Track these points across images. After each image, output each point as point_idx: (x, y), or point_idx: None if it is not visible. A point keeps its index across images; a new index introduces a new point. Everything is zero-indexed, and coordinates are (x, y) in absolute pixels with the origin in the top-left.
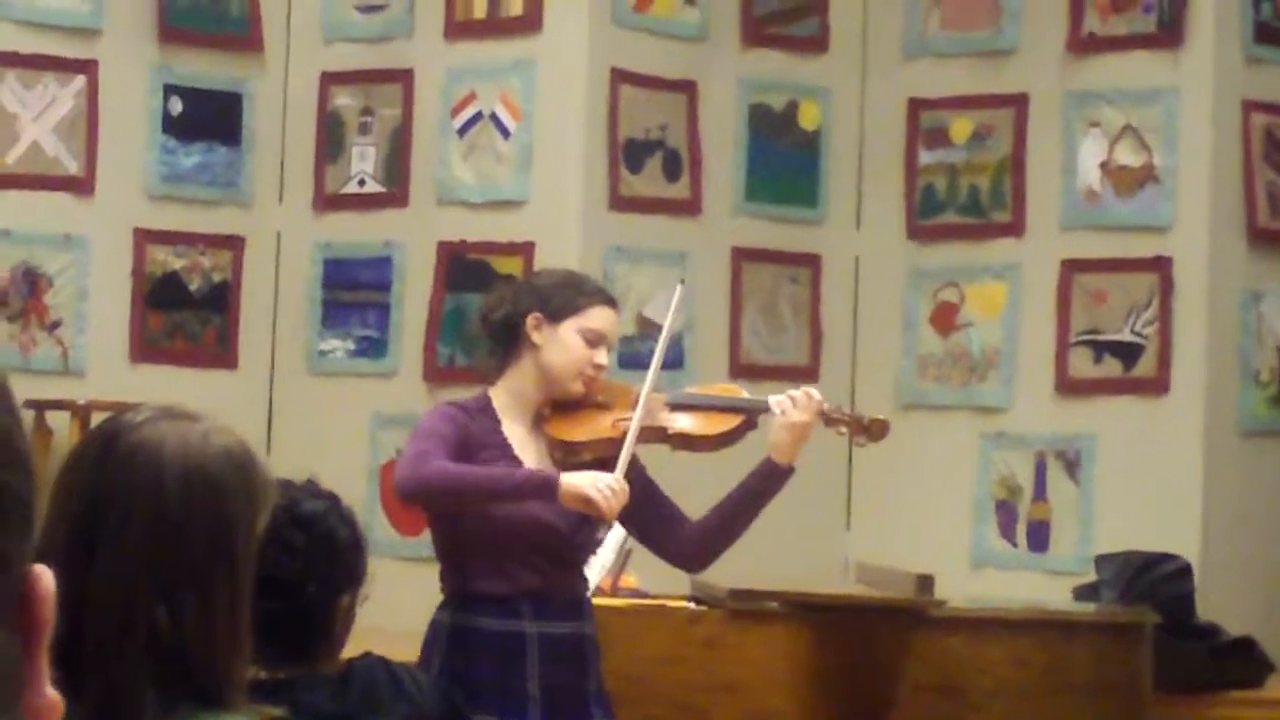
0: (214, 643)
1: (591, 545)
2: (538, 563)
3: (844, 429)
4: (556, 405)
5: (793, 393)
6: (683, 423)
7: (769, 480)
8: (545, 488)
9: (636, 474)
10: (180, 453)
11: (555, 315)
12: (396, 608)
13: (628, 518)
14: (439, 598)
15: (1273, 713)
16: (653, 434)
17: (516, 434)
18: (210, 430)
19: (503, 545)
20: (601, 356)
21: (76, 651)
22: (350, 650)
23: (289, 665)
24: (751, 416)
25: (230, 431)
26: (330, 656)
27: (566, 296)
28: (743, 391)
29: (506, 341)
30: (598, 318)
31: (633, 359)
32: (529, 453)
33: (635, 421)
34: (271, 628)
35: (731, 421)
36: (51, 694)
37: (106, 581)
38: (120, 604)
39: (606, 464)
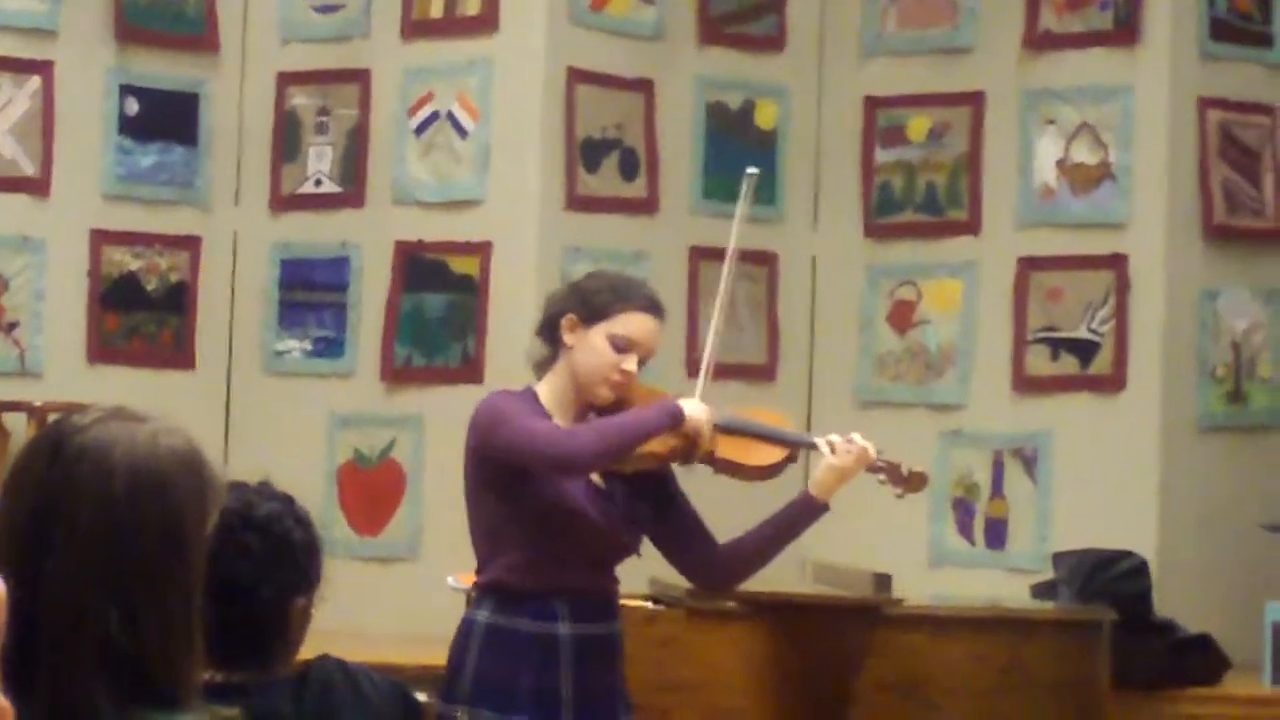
0: (167, 644)
1: (632, 548)
2: (578, 562)
3: (883, 477)
4: (601, 412)
5: (841, 437)
6: (731, 449)
7: (804, 515)
8: (675, 419)
9: (669, 485)
10: (129, 454)
11: (589, 318)
12: (354, 609)
13: (652, 526)
14: (398, 598)
15: (1229, 708)
16: (700, 457)
17: None
18: (159, 431)
19: (546, 541)
20: (630, 364)
21: (28, 656)
22: (308, 652)
23: (245, 668)
24: (796, 451)
25: (179, 431)
26: (287, 659)
27: (604, 300)
28: (788, 422)
29: (549, 340)
30: (629, 323)
31: None
32: None
33: (708, 355)
34: (227, 630)
35: (779, 454)
36: (2, 702)
37: (57, 585)
38: (72, 607)
39: (647, 479)
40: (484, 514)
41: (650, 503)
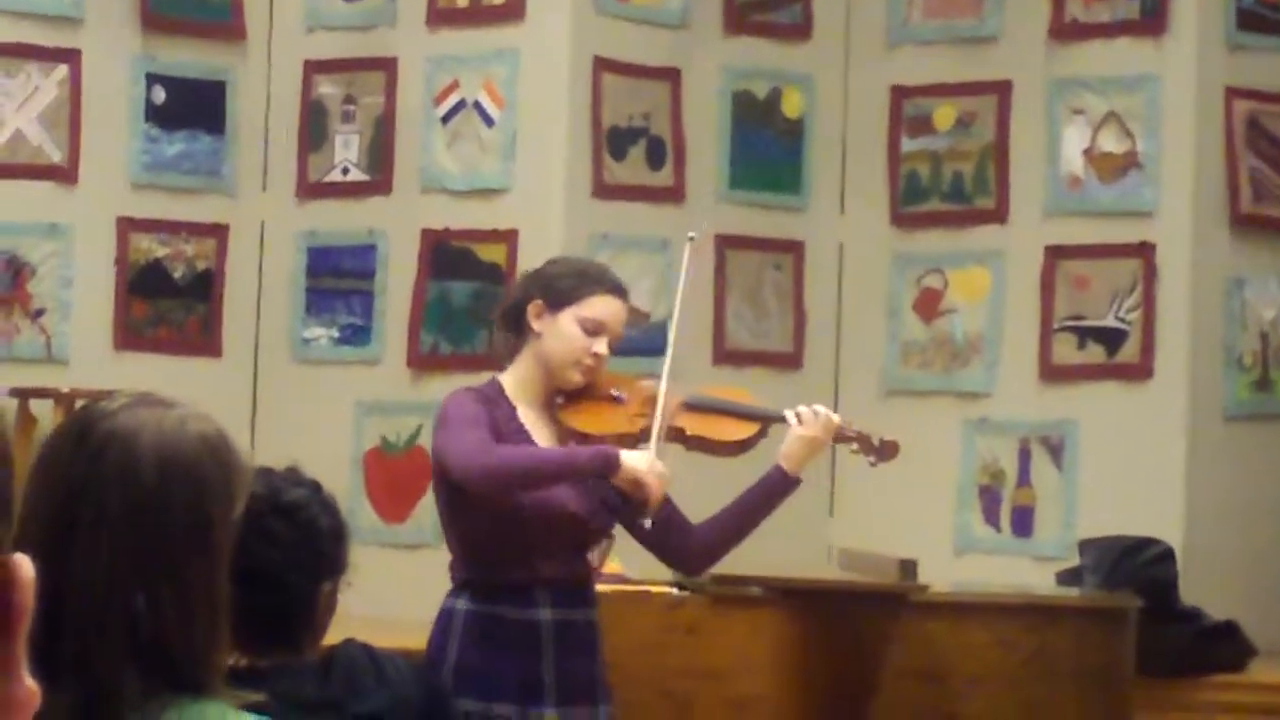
0: (193, 629)
1: (605, 532)
2: (558, 550)
3: (855, 446)
4: (569, 395)
5: (808, 408)
6: (702, 426)
7: (777, 488)
8: (608, 465)
9: None
10: (156, 440)
11: (556, 303)
12: (380, 595)
13: (625, 510)
14: (423, 584)
15: (1255, 696)
16: (671, 434)
17: (530, 419)
18: (186, 417)
19: (527, 534)
20: (600, 346)
21: (55, 640)
22: (334, 637)
23: (271, 653)
24: (766, 425)
25: (206, 417)
26: (313, 644)
27: (569, 284)
28: (752, 397)
29: (514, 328)
30: (597, 306)
31: (621, 346)
32: (543, 438)
33: (660, 410)
34: (254, 616)
35: (750, 429)
36: (30, 683)
37: (84, 570)
38: (98, 592)
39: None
40: (457, 507)
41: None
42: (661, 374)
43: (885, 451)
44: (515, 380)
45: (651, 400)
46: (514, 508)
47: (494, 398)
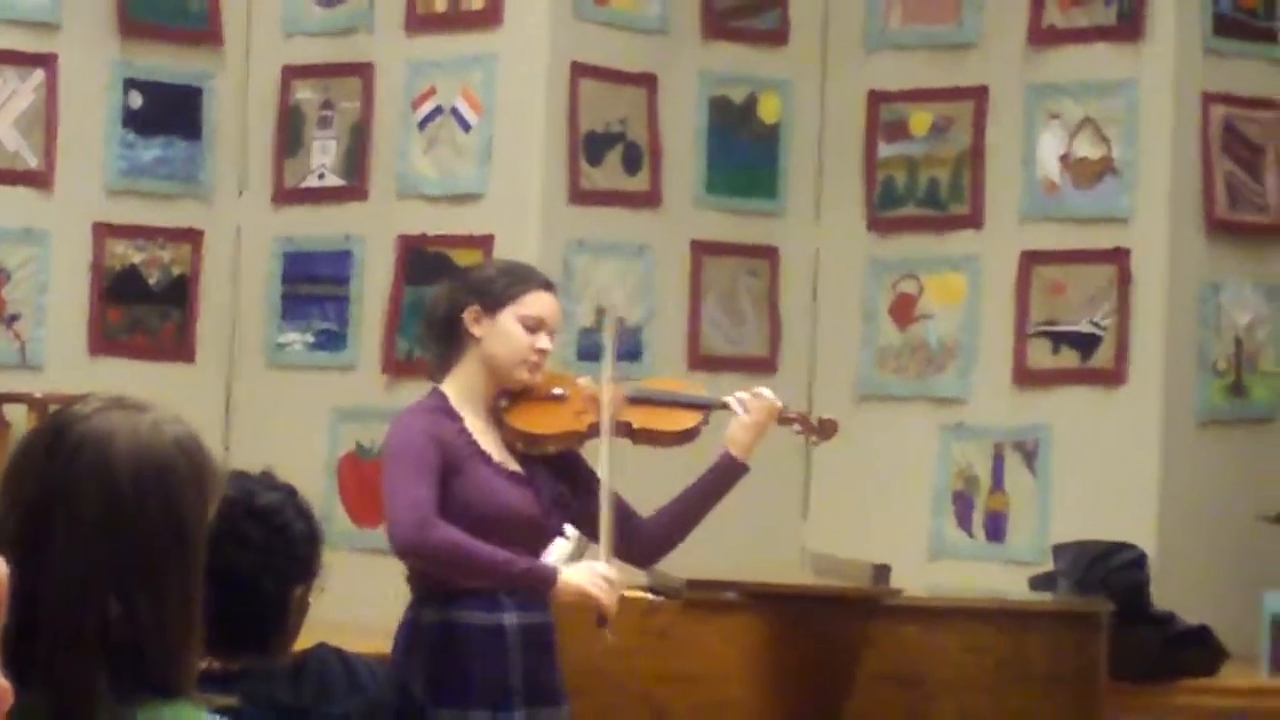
0: (167, 632)
1: (558, 530)
2: (516, 552)
3: (797, 427)
4: (513, 395)
5: (748, 393)
6: (646, 418)
7: (726, 476)
8: (544, 583)
9: (583, 465)
10: (130, 443)
11: (492, 306)
12: (354, 600)
13: (579, 515)
14: (397, 590)
15: (1227, 700)
16: (619, 430)
17: (477, 428)
18: (159, 420)
19: (479, 537)
20: (543, 341)
21: (29, 641)
22: (305, 642)
23: (243, 656)
24: (709, 414)
25: (179, 421)
26: (284, 648)
27: (501, 286)
28: (693, 387)
29: (449, 338)
30: (535, 304)
31: (592, 351)
32: (491, 445)
33: (604, 456)
34: (226, 619)
35: (694, 418)
36: (3, 682)
37: (59, 572)
38: (73, 594)
39: (563, 460)
40: None
41: (570, 484)
42: (600, 374)
43: (825, 430)
44: (458, 389)
45: (594, 398)
46: (467, 515)
47: (440, 412)
